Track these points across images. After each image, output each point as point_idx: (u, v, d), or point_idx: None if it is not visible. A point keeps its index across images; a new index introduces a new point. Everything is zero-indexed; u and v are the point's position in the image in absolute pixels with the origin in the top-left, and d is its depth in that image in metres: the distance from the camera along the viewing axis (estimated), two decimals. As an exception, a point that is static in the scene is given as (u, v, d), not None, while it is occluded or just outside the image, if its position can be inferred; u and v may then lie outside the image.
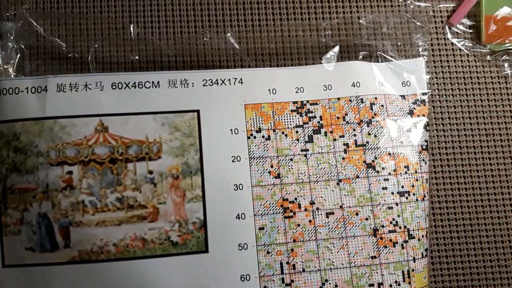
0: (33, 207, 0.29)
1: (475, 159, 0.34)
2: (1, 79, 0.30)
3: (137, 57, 0.33)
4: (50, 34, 0.33)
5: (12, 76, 0.31)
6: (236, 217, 0.29)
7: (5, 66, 0.31)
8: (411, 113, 0.32)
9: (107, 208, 0.29)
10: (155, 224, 0.29)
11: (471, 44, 0.35)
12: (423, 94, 0.32)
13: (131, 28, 0.33)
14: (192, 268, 0.29)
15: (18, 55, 0.32)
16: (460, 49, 0.35)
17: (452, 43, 0.35)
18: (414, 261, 0.30)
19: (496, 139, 0.34)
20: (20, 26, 0.32)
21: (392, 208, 0.30)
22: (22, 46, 0.32)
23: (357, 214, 0.30)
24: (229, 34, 0.33)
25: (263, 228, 0.30)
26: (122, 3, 0.35)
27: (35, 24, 0.33)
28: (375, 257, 0.30)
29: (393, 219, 0.30)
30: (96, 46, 0.33)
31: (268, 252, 0.29)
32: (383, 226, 0.30)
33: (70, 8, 0.35)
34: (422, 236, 0.30)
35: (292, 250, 0.30)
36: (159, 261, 0.29)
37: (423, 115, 0.32)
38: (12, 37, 0.32)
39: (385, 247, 0.30)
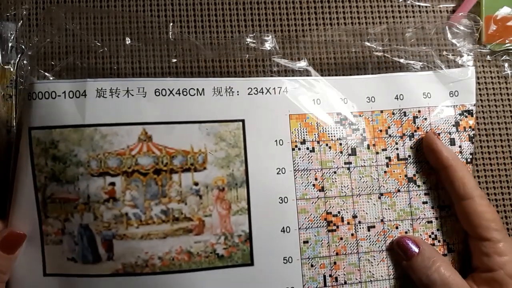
0: (75, 218, 0.28)
1: (475, 159, 0.34)
2: (35, 82, 0.28)
3: (174, 60, 0.32)
4: (86, 33, 0.32)
5: (49, 77, 0.30)
6: (281, 231, 0.29)
7: (37, 68, 0.30)
8: (456, 124, 0.32)
9: (151, 221, 0.28)
10: (201, 237, 0.28)
11: (471, 44, 0.35)
12: (471, 105, 0.32)
13: (170, 28, 0.32)
14: (237, 281, 0.29)
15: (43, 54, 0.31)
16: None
17: (452, 43, 0.35)
18: (450, 274, 0.31)
19: (496, 139, 0.34)
20: (20, 26, 0.31)
21: (431, 222, 0.31)
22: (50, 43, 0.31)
23: (397, 227, 0.31)
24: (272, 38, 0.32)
25: (307, 242, 0.30)
26: (158, 2, 0.33)
27: (65, 21, 0.31)
28: (413, 269, 0.30)
29: (432, 233, 0.31)
30: (130, 44, 0.32)
31: (312, 265, 0.29)
32: (421, 239, 0.31)
33: (99, 2, 0.33)
34: (462, 249, 0.31)
35: (335, 263, 0.30)
36: (205, 274, 0.28)
37: (470, 128, 0.32)
38: (12, 37, 0.31)
39: (423, 259, 0.30)
